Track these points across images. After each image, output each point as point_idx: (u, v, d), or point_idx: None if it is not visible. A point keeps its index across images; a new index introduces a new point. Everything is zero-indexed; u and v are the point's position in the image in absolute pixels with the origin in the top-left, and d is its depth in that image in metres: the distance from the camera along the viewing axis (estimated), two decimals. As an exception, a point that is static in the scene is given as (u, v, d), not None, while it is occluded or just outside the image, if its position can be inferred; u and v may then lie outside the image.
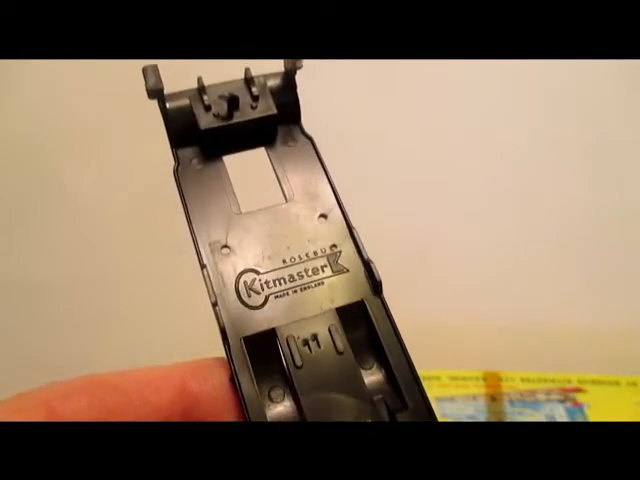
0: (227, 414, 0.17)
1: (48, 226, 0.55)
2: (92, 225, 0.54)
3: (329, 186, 0.21)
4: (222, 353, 0.18)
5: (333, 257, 0.19)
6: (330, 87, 0.53)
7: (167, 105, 0.20)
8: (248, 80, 0.21)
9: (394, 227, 0.51)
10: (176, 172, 0.20)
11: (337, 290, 0.19)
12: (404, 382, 0.17)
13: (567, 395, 0.47)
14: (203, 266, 0.19)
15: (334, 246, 0.20)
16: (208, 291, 0.18)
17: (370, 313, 0.18)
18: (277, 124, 0.21)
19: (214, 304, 0.18)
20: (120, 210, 0.54)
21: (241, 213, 0.20)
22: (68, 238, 0.54)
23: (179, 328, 0.53)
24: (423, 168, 0.53)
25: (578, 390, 0.47)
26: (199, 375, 0.17)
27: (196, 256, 0.19)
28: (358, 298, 0.19)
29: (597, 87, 0.54)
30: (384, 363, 0.18)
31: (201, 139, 0.20)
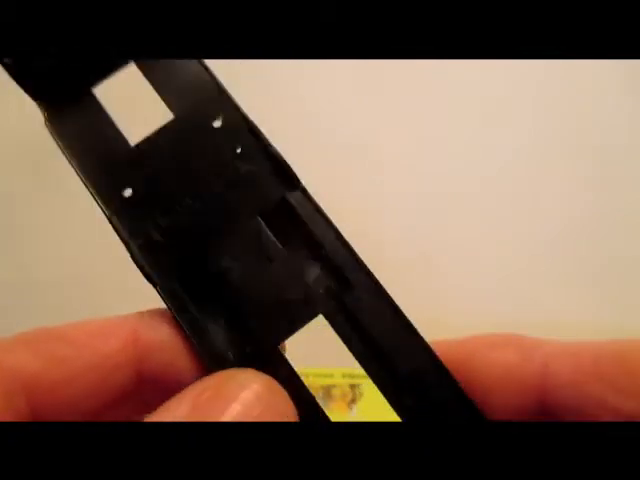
0: (180, 360, 0.17)
1: (47, 225, 0.55)
2: (92, 224, 0.54)
3: (216, 88, 0.18)
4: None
5: (240, 162, 0.18)
6: (332, 87, 0.53)
7: (5, 59, 0.18)
8: None
9: (396, 228, 0.51)
10: (47, 123, 0.18)
11: (254, 195, 0.17)
12: (344, 265, 0.17)
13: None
14: (110, 216, 0.17)
15: (238, 150, 0.18)
16: (123, 242, 0.17)
17: (295, 207, 0.17)
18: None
19: (130, 252, 0.17)
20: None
21: (131, 145, 0.18)
22: (67, 237, 0.54)
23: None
24: (425, 169, 0.53)
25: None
26: (150, 324, 0.17)
27: (100, 210, 0.18)
28: (278, 197, 0.17)
29: (598, 87, 0.54)
30: (320, 254, 0.17)
31: (59, 76, 0.18)
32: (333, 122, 0.53)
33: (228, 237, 0.17)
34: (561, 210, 0.53)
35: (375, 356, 0.17)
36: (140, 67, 0.19)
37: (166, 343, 0.17)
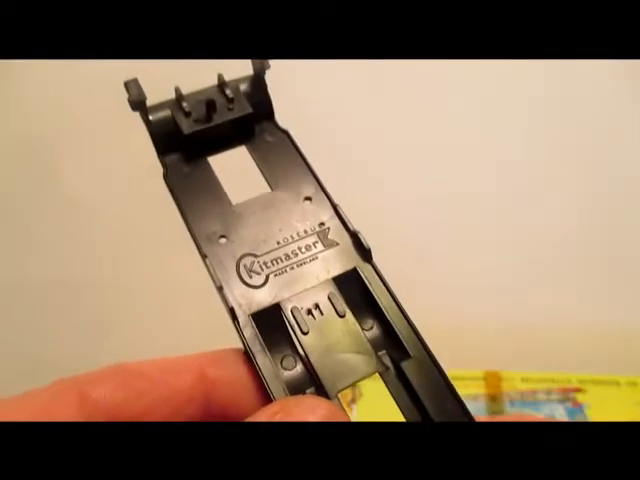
0: (245, 396, 0.19)
1: (47, 225, 0.55)
2: (92, 224, 0.54)
3: (309, 172, 0.22)
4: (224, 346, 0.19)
5: (322, 233, 0.21)
6: (330, 87, 0.53)
7: (150, 116, 0.21)
8: (222, 85, 0.22)
9: (393, 227, 0.51)
10: (166, 177, 0.21)
11: (331, 262, 0.20)
12: (404, 334, 0.19)
13: (567, 395, 0.47)
14: (204, 256, 0.20)
15: (322, 224, 0.21)
16: (212, 278, 0.19)
17: (364, 278, 0.20)
18: (254, 122, 0.22)
19: (220, 288, 0.19)
20: (120, 209, 0.54)
21: (232, 205, 0.21)
22: (67, 237, 0.54)
23: (179, 325, 0.53)
24: (424, 168, 0.54)
25: (578, 390, 0.47)
26: (217, 363, 0.19)
27: (197, 250, 0.20)
28: (351, 266, 0.20)
29: (598, 87, 0.54)
30: (382, 321, 0.20)
31: (185, 143, 0.22)
32: (333, 122, 0.53)
33: (304, 292, 0.20)
34: (561, 210, 0.53)
35: (422, 419, 0.18)
36: (248, 148, 0.22)
37: (231, 381, 0.19)
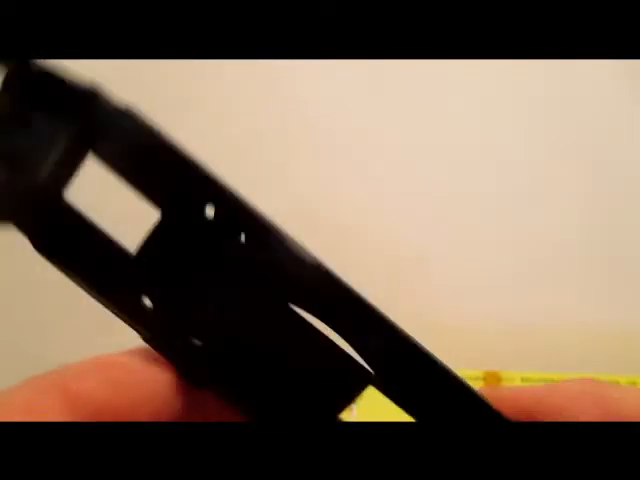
0: None
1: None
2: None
3: (194, 165, 0.16)
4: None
5: (247, 248, 0.16)
6: (330, 87, 0.53)
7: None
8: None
9: (394, 227, 0.51)
10: (38, 248, 0.16)
11: (277, 282, 0.16)
12: (383, 337, 0.17)
13: (567, 395, 0.47)
14: (145, 338, 0.17)
15: (238, 241, 0.16)
16: (163, 354, 0.17)
17: (321, 288, 0.16)
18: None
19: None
20: (120, 209, 0.54)
21: (133, 255, 0.17)
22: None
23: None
24: (423, 168, 0.53)
25: (578, 390, 0.47)
26: None
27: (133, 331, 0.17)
28: (300, 279, 0.16)
29: (598, 87, 0.54)
30: (358, 329, 0.17)
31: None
32: (333, 122, 0.53)
33: (266, 328, 0.16)
34: (561, 209, 0.53)
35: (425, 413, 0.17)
36: (97, 156, 0.16)
37: None
